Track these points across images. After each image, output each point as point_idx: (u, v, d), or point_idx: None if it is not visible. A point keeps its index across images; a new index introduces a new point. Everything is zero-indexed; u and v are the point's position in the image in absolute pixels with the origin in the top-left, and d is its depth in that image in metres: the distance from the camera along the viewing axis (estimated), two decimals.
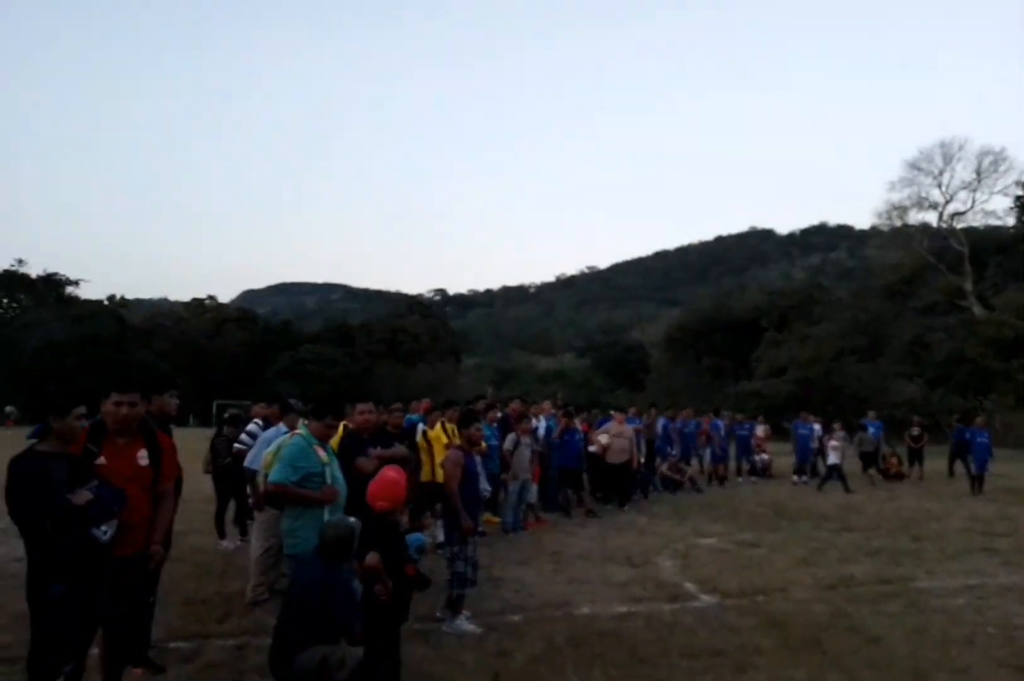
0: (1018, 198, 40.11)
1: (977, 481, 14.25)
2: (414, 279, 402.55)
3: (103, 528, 3.30)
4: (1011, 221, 41.52)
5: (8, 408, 39.12)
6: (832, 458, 15.00)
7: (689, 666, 4.71)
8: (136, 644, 4.55)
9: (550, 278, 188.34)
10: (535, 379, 67.37)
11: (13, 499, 3.17)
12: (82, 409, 3.42)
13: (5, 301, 59.89)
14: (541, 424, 11.58)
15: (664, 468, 14.76)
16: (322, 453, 4.81)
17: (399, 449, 6.78)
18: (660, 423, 15.24)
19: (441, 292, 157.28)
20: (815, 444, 16.86)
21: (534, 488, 10.22)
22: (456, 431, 7.90)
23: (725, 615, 5.89)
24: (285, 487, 4.62)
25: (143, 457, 4.00)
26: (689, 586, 6.88)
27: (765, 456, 17.50)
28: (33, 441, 3.37)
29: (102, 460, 3.64)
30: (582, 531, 9.88)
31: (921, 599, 6.37)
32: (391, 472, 4.19)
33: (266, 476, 5.08)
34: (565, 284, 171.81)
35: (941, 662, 4.77)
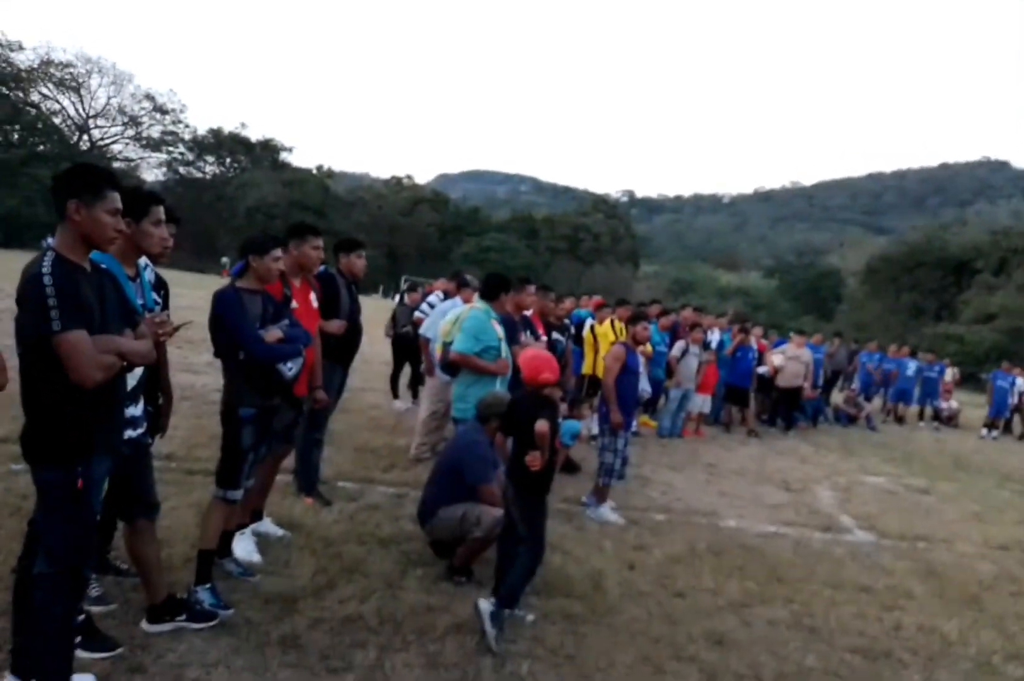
0: None
1: None
2: (603, 178, 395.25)
3: (288, 365, 3.54)
4: None
5: (224, 259, 43.24)
6: None
7: (831, 595, 4.56)
8: (307, 477, 5.02)
9: (747, 190, 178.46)
10: (714, 294, 65.12)
11: (215, 329, 3.45)
12: (279, 251, 3.61)
13: (228, 160, 64.90)
14: (715, 336, 11.22)
15: (840, 400, 14.03)
16: (499, 328, 4.90)
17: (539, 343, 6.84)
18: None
19: (629, 193, 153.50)
20: (1014, 399, 15.31)
21: (698, 398, 10.04)
22: (624, 329, 7.81)
23: (879, 554, 5.62)
24: (467, 357, 4.80)
25: (314, 299, 4.28)
26: (846, 520, 6.60)
27: (954, 404, 16.15)
28: (235, 278, 3.61)
29: (295, 304, 3.89)
30: (741, 449, 9.68)
31: None
32: (542, 350, 4.26)
33: (444, 344, 5.28)
34: (763, 198, 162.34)
35: None
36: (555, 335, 7.27)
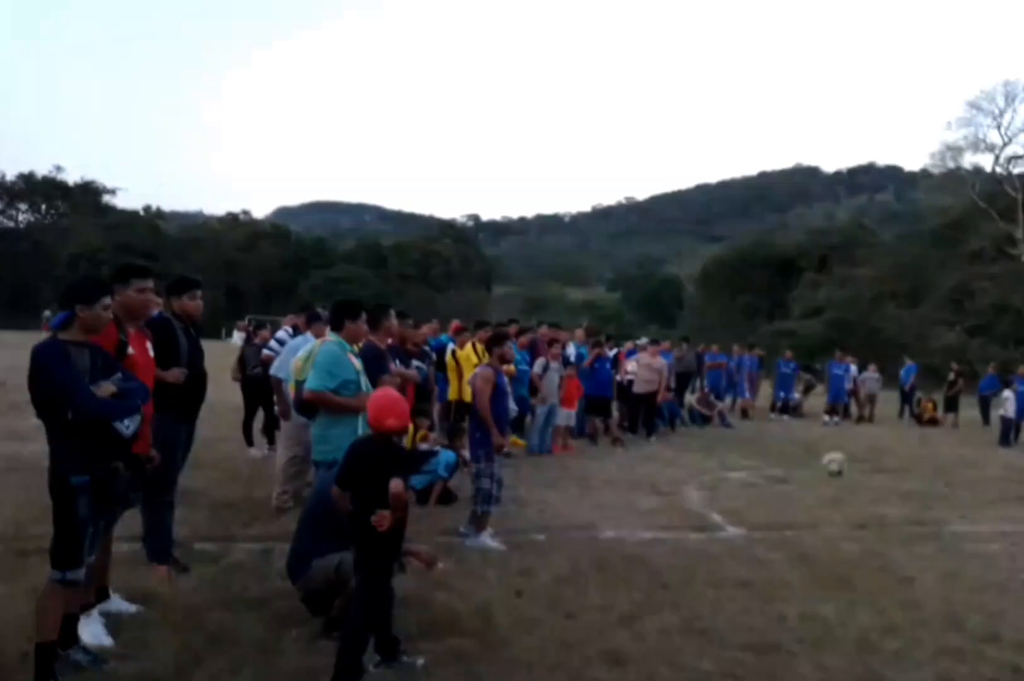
0: None
1: (1015, 429, 13.85)
2: (448, 203, 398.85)
3: (126, 422, 3.19)
4: None
5: (46, 312, 39.84)
6: (1008, 411, 13.82)
7: (715, 595, 4.62)
8: (159, 542, 4.56)
9: (586, 208, 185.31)
10: (565, 310, 66.92)
11: (35, 386, 3.06)
12: (108, 299, 3.27)
13: (43, 207, 60.36)
14: (571, 351, 11.43)
15: (694, 401, 14.64)
16: (355, 361, 4.67)
17: (413, 371, 6.67)
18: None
19: (474, 218, 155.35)
20: (849, 384, 16.58)
21: (562, 412, 10.15)
22: (485, 352, 7.77)
23: (753, 547, 5.80)
24: (323, 394, 4.50)
25: (150, 348, 3.92)
26: (716, 517, 6.79)
27: (796, 395, 17.28)
28: (56, 330, 3.23)
29: (131, 350, 3.53)
30: (608, 458, 9.84)
31: (954, 543, 6.22)
32: (390, 390, 3.86)
33: (297, 383, 4.97)
34: (601, 214, 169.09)
35: (975, 605, 4.64)
36: (415, 363, 7.11)
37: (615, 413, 12.14)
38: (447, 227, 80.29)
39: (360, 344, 5.08)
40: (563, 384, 10.11)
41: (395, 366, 5.68)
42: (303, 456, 6.01)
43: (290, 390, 5.79)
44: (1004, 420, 13.86)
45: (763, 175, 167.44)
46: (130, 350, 3.56)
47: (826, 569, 5.24)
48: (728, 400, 16.15)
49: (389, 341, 5.78)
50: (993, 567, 5.57)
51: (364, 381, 4.67)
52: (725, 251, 57.27)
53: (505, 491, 6.21)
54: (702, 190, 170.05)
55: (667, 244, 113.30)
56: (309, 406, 4.68)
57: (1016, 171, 39.13)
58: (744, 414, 16.05)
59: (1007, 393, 14.07)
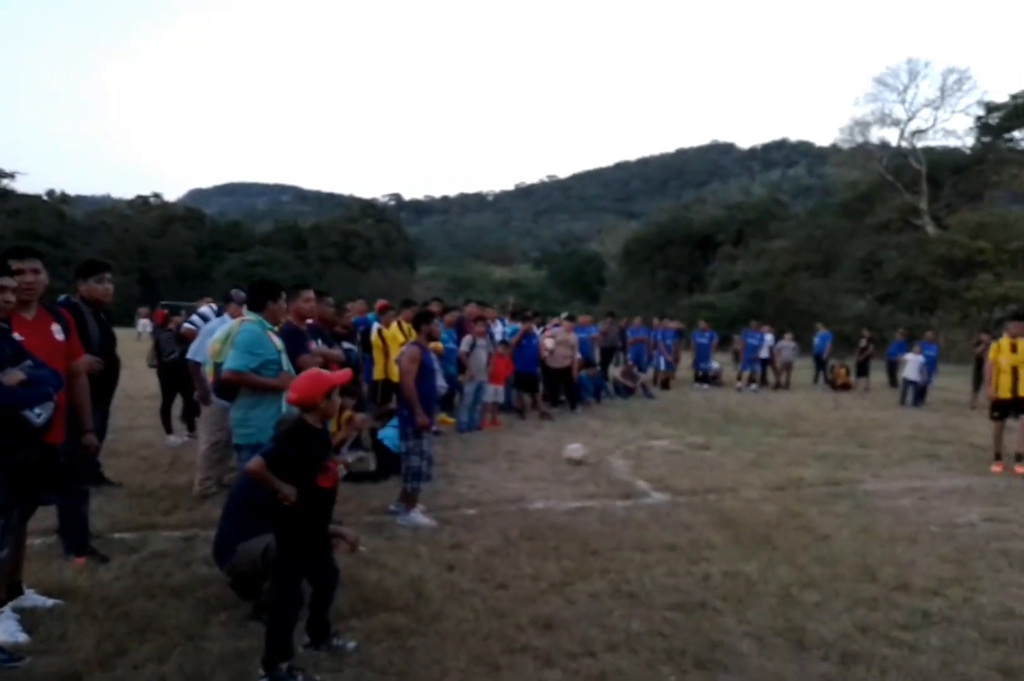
0: (979, 118, 39.90)
1: (922, 392, 14.63)
2: (368, 183, 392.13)
3: (37, 411, 3.05)
4: (970, 142, 41.50)
5: None
6: (910, 374, 14.68)
7: (642, 559, 4.74)
8: (75, 534, 4.40)
9: (509, 186, 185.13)
10: (490, 288, 66.99)
11: None
12: (9, 281, 3.10)
13: None
14: (498, 329, 11.48)
15: (618, 375, 14.90)
16: (276, 340, 4.55)
17: (337, 351, 6.57)
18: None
19: (396, 197, 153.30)
20: (764, 353, 17.14)
21: (491, 389, 10.18)
22: (412, 330, 7.71)
23: (677, 512, 5.96)
24: (243, 375, 4.38)
25: (58, 331, 3.74)
26: (641, 484, 6.96)
27: (715, 364, 17.76)
28: None
29: (18, 336, 3.34)
30: (536, 432, 9.93)
31: (868, 500, 6.54)
32: (317, 370, 3.82)
33: (216, 366, 4.82)
34: (524, 193, 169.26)
35: (887, 558, 4.89)
36: (345, 344, 7.01)
37: (541, 388, 12.24)
38: (368, 207, 78.76)
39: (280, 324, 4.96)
40: (491, 361, 10.14)
41: (315, 346, 5.56)
42: (225, 441, 5.87)
43: (208, 374, 5.63)
44: (906, 382, 14.63)
45: (681, 152, 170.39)
46: (17, 336, 3.37)
47: (747, 529, 5.43)
48: (650, 372, 16.49)
49: (309, 321, 5.67)
50: (904, 521, 5.87)
51: (286, 361, 4.57)
52: (645, 228, 58.18)
53: (435, 468, 6.21)
54: (622, 167, 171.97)
55: (589, 221, 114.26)
56: (228, 389, 4.55)
57: (920, 145, 40.90)
58: (665, 385, 16.43)
59: (909, 356, 14.85)
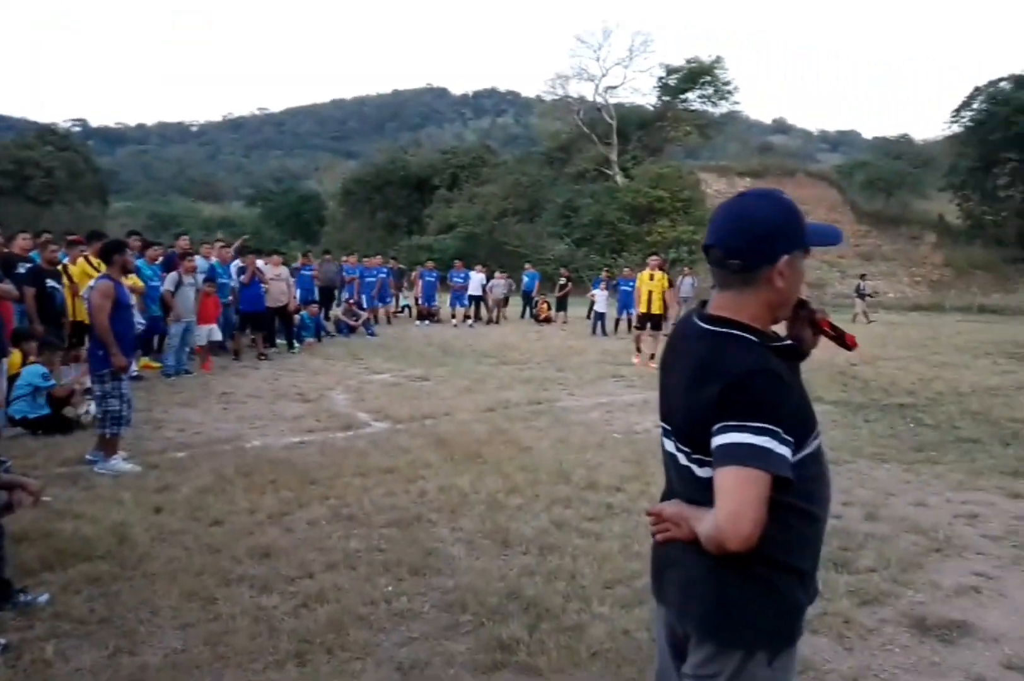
0: (660, 78, 44.09)
1: (617, 322, 16.55)
2: (46, 106, 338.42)
3: None
4: (653, 100, 45.78)
5: None
6: (599, 307, 16.63)
7: (361, 483, 4.88)
8: None
9: (216, 117, 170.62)
10: (199, 226, 61.93)
11: None
12: None
13: None
14: (202, 264, 10.69)
15: (339, 313, 14.77)
16: None
17: (7, 285, 5.83)
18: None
19: (81, 123, 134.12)
20: (478, 291, 17.98)
21: (201, 330, 9.57)
22: (103, 263, 6.98)
23: (396, 438, 6.17)
24: None
25: None
26: (362, 416, 7.08)
27: (435, 303, 18.29)
28: None
29: None
30: (253, 373, 9.61)
31: (564, 415, 7.27)
32: None
33: None
34: (233, 125, 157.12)
35: (579, 462, 5.50)
36: (50, 283, 6.18)
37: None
38: (47, 132, 68.10)
39: None
40: (199, 299, 9.51)
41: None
42: None
43: None
44: (596, 314, 16.43)
45: (396, 93, 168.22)
46: None
47: (461, 448, 5.78)
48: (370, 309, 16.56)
49: None
50: (593, 431, 6.62)
51: None
52: (363, 168, 57.05)
53: (138, 413, 5.82)
54: (338, 105, 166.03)
55: (305, 159, 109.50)
56: None
57: (612, 101, 44.30)
58: (388, 321, 16.69)
59: (595, 291, 16.72)
